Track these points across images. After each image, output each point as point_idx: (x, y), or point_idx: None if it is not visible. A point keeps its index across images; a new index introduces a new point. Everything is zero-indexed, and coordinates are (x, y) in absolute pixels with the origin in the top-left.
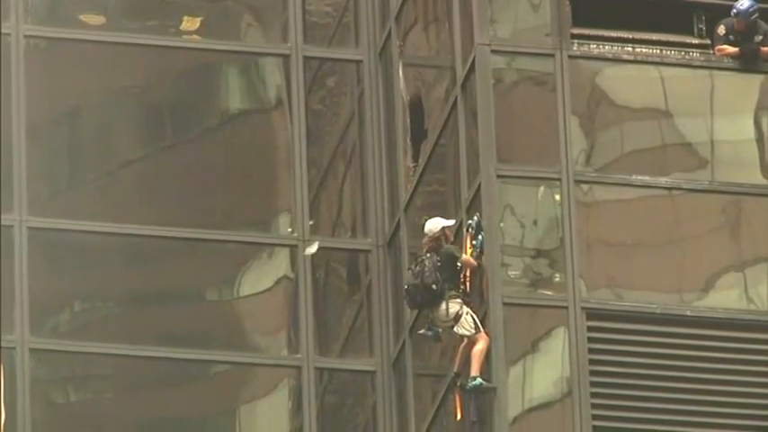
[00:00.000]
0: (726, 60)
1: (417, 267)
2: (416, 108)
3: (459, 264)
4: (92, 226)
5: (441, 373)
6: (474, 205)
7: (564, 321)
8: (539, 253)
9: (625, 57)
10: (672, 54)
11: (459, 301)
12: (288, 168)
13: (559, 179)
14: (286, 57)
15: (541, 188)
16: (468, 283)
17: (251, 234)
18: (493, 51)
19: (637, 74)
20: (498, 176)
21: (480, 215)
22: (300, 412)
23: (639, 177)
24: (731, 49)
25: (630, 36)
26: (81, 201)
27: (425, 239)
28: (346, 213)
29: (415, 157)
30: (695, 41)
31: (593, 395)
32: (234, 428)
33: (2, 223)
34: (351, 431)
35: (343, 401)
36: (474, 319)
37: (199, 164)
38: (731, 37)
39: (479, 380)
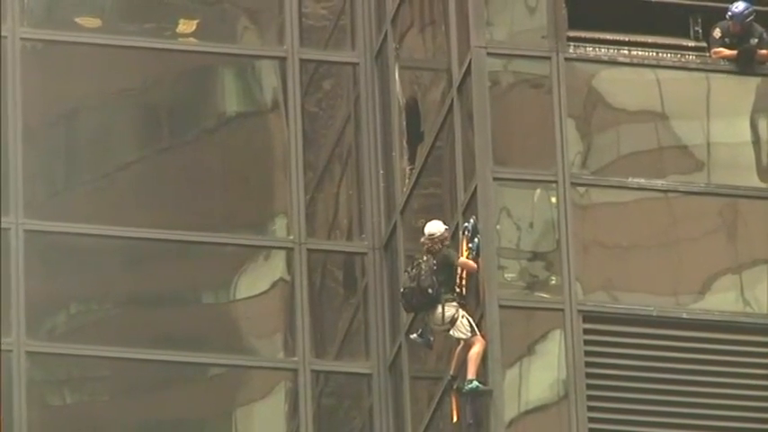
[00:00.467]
0: (722, 63)
1: (414, 270)
2: (413, 111)
3: (457, 267)
4: (88, 229)
5: (437, 375)
6: (470, 208)
7: (560, 324)
8: (535, 255)
9: (621, 59)
10: (668, 57)
11: (455, 304)
12: (284, 171)
13: (556, 182)
14: (282, 59)
15: (538, 191)
16: (464, 286)
17: (247, 236)
18: (489, 54)
19: (633, 76)
20: (494, 179)
21: (476, 218)
22: (297, 415)
23: (636, 180)
24: (727, 52)
25: (627, 39)
26: (77, 203)
27: (425, 241)
28: (342, 216)
29: (412, 160)
30: (691, 44)
31: (590, 398)
32: (230, 431)
33: None
34: None
35: (339, 404)
36: (470, 322)
37: (195, 166)
38: (727, 40)
39: (476, 383)
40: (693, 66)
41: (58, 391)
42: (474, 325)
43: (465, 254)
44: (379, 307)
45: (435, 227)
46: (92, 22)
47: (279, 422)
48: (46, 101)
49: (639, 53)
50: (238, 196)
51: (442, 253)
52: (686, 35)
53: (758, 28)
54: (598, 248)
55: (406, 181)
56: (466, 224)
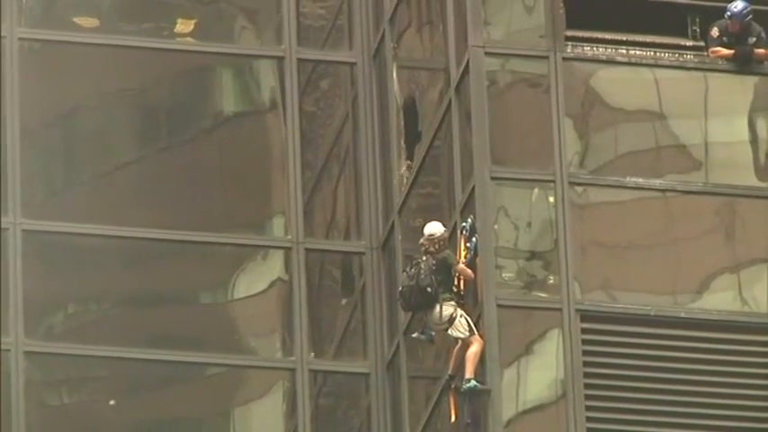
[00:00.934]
0: (720, 62)
1: (413, 270)
2: (410, 110)
3: (452, 273)
4: (86, 228)
5: (435, 375)
6: (468, 207)
7: (558, 323)
8: (533, 255)
9: (619, 59)
10: (666, 56)
11: (452, 303)
12: (282, 171)
13: (553, 181)
14: (280, 59)
15: (535, 190)
16: (461, 286)
17: (245, 236)
18: (487, 53)
19: (631, 76)
20: (492, 178)
21: (474, 217)
22: (295, 414)
23: (633, 179)
24: (725, 51)
25: (624, 38)
26: (75, 203)
27: (424, 242)
28: (340, 216)
29: (410, 160)
30: (689, 43)
31: (588, 397)
32: (228, 431)
33: None
34: None
35: (337, 404)
36: (468, 321)
37: (193, 166)
38: (725, 39)
39: (473, 382)
40: (691, 65)
41: (56, 390)
42: (472, 324)
43: (463, 253)
44: (376, 306)
45: (435, 228)
46: (90, 21)
47: (277, 422)
48: (44, 101)
49: (637, 52)
50: (236, 196)
51: (442, 254)
52: (684, 34)
53: (757, 27)
54: (596, 248)
55: (404, 180)
56: (464, 224)
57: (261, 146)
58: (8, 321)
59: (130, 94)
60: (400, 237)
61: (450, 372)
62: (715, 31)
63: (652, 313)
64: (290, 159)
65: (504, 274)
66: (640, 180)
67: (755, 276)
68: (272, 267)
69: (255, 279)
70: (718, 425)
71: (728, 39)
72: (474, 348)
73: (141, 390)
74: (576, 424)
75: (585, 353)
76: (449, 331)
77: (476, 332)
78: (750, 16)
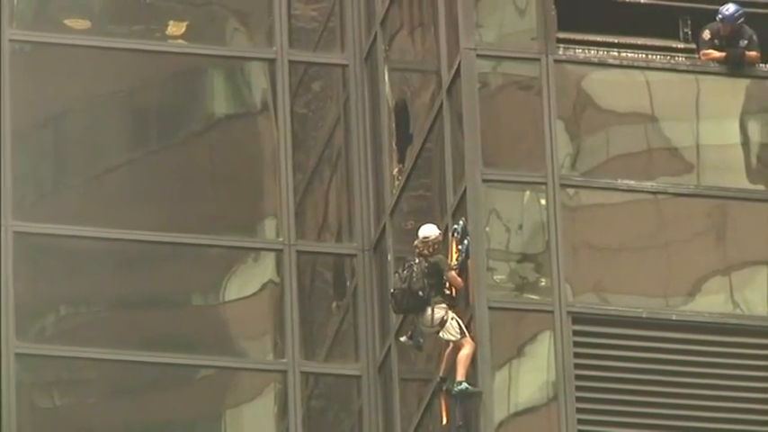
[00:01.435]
0: (711, 65)
1: (405, 272)
2: (402, 113)
3: (443, 277)
4: (77, 230)
5: (426, 377)
6: (459, 210)
7: (550, 326)
8: (524, 257)
9: (611, 61)
10: (657, 58)
11: (444, 306)
12: (274, 173)
13: (545, 183)
14: (272, 61)
15: (527, 192)
16: (453, 288)
17: (237, 238)
18: (478, 56)
19: (622, 78)
20: (484, 181)
21: (466, 219)
22: (286, 417)
23: (625, 181)
24: (717, 54)
25: (616, 40)
26: (66, 205)
27: (418, 244)
28: (332, 218)
29: (401, 162)
30: (681, 46)
31: (579, 399)
32: None
33: None
34: None
35: (328, 406)
36: (459, 323)
37: (184, 168)
38: (716, 41)
39: (465, 384)
40: (683, 67)
41: (47, 392)
42: (463, 327)
43: (454, 256)
44: (368, 309)
45: (429, 230)
46: (81, 23)
47: (268, 424)
48: (35, 103)
49: (629, 55)
50: (227, 198)
51: (435, 258)
52: (675, 37)
53: (748, 30)
54: (587, 250)
55: (396, 183)
56: (455, 226)
57: (252, 148)
58: None
59: (122, 96)
60: (392, 239)
61: (441, 374)
62: (706, 34)
63: (643, 316)
64: (282, 161)
65: (495, 277)
66: (632, 182)
67: (747, 279)
68: (264, 269)
69: (247, 281)
70: (710, 427)
71: (720, 41)
72: (465, 351)
73: (133, 392)
74: (567, 426)
75: (577, 355)
76: (440, 334)
77: (467, 335)
78: (742, 19)
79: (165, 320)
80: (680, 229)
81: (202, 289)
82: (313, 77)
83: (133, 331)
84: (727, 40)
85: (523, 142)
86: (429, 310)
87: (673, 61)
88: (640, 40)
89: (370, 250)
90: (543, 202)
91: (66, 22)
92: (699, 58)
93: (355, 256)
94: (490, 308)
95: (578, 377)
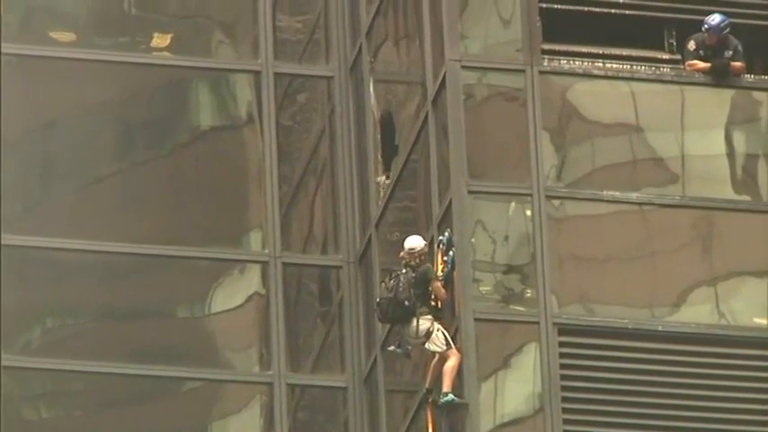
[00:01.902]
0: (696, 75)
1: (392, 282)
2: (387, 124)
3: (429, 288)
4: (63, 243)
5: (412, 389)
6: (445, 221)
7: (535, 337)
8: (510, 268)
9: (596, 72)
10: (642, 69)
11: (429, 317)
12: (259, 185)
13: (530, 194)
14: (257, 73)
15: (513, 204)
16: (438, 300)
17: (223, 250)
18: (464, 67)
19: (607, 89)
20: (469, 192)
21: (451, 231)
22: (272, 429)
23: (610, 192)
24: (702, 65)
25: (601, 51)
26: (53, 218)
27: (404, 255)
28: (317, 229)
29: (387, 173)
30: (666, 56)
31: (565, 410)
32: None
33: None
34: None
35: (314, 418)
36: (445, 335)
37: (170, 180)
38: (701, 52)
39: (451, 396)
40: (668, 78)
41: (33, 405)
42: (449, 338)
43: (440, 267)
44: (354, 320)
45: (416, 241)
46: (66, 36)
47: None
48: (22, 115)
49: (614, 66)
50: (213, 210)
51: (421, 268)
52: (661, 48)
53: (733, 40)
54: (573, 261)
55: (381, 194)
56: (441, 237)
57: (238, 160)
58: None
59: (107, 109)
60: (377, 251)
61: (427, 385)
62: (692, 45)
63: (629, 326)
64: (267, 173)
65: (481, 288)
66: (617, 193)
67: (733, 289)
68: (250, 281)
69: (233, 293)
70: None
71: (705, 52)
72: (451, 362)
73: (119, 404)
74: None
75: (563, 366)
76: (426, 345)
77: (453, 346)
78: (727, 29)
79: (152, 333)
80: (665, 239)
81: (188, 301)
82: (298, 89)
83: (119, 343)
84: (712, 50)
85: (509, 153)
86: (414, 322)
87: (658, 72)
88: (625, 51)
89: (356, 262)
90: (529, 213)
91: (52, 34)
92: (684, 68)
93: (341, 267)
94: (476, 319)
95: (564, 388)
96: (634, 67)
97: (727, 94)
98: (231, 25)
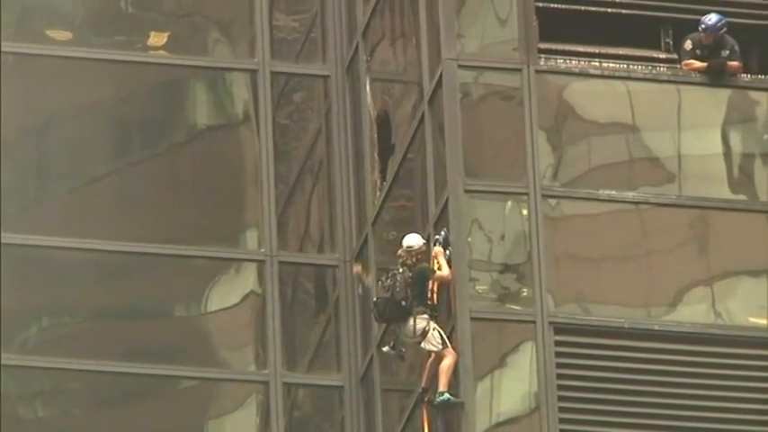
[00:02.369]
0: (693, 75)
1: (389, 281)
2: (384, 123)
3: (430, 281)
4: (60, 241)
5: (408, 388)
6: (441, 220)
7: (532, 336)
8: (506, 267)
9: (592, 71)
10: (639, 69)
11: (426, 316)
12: (255, 183)
13: (527, 194)
14: (253, 72)
15: (509, 203)
16: (435, 298)
17: (219, 249)
18: (460, 66)
19: (604, 88)
20: (466, 191)
21: (448, 230)
22: (268, 427)
23: (607, 192)
24: (698, 64)
25: (597, 51)
26: (50, 216)
27: (402, 253)
28: (314, 228)
29: (383, 173)
30: (662, 56)
31: (561, 410)
32: None
33: None
34: None
35: (311, 417)
36: (441, 334)
37: (167, 179)
38: (698, 51)
39: (447, 395)
40: (664, 78)
41: (30, 404)
42: (445, 337)
43: (436, 266)
44: (350, 319)
45: (414, 240)
46: (63, 35)
47: None
48: (18, 114)
49: (610, 65)
50: (210, 209)
51: (419, 267)
52: (657, 47)
53: (730, 40)
54: (569, 260)
55: (378, 193)
56: (437, 236)
57: (234, 159)
58: None
59: (104, 108)
60: (374, 249)
61: (423, 385)
62: (688, 44)
63: (625, 326)
64: (264, 172)
65: (477, 287)
66: (614, 193)
67: (729, 289)
68: (246, 280)
69: (229, 292)
70: None
71: (702, 51)
72: (447, 361)
73: (116, 402)
74: None
75: (559, 365)
76: (422, 344)
77: (449, 345)
78: (724, 29)
79: (148, 331)
80: (662, 239)
81: (185, 300)
82: (295, 88)
83: (116, 342)
84: (708, 50)
85: (505, 152)
86: (411, 321)
87: (654, 71)
88: (622, 51)
89: (353, 261)
90: (525, 212)
91: (49, 33)
92: (680, 68)
93: (337, 266)
94: (472, 318)
95: (560, 387)
96: (631, 66)
97: (724, 94)
98: (228, 24)
